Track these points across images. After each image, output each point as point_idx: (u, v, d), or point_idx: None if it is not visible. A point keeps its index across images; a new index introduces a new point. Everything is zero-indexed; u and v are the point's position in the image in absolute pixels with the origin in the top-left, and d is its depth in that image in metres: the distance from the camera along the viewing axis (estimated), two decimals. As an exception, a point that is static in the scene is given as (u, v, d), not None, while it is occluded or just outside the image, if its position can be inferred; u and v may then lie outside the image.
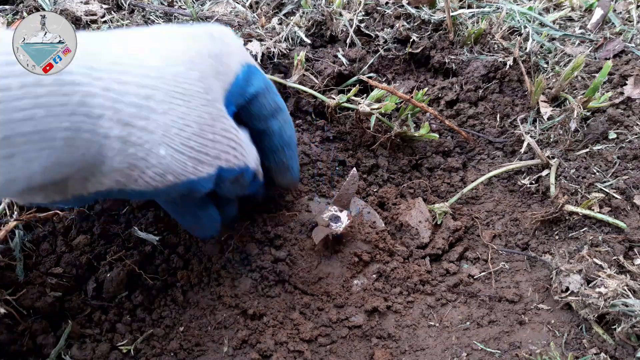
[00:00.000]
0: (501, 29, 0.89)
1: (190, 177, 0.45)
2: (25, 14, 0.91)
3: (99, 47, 0.40)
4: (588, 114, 0.78)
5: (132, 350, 0.58)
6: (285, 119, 0.59)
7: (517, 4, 0.97)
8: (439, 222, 0.73)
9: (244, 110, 0.54)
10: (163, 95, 0.41)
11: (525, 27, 0.90)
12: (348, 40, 0.88)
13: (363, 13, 0.91)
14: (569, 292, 0.58)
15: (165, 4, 0.94)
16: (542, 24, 0.95)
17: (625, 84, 0.80)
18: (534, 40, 0.88)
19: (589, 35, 0.93)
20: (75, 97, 0.35)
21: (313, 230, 0.66)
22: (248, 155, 0.52)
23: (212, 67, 0.47)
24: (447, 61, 0.88)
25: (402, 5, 0.91)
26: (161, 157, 0.41)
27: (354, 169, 0.66)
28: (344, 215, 0.66)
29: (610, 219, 0.64)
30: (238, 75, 0.51)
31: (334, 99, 0.77)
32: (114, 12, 0.91)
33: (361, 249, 0.67)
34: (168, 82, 0.42)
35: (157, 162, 0.41)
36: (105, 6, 0.91)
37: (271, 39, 0.84)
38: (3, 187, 0.33)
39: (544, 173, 0.74)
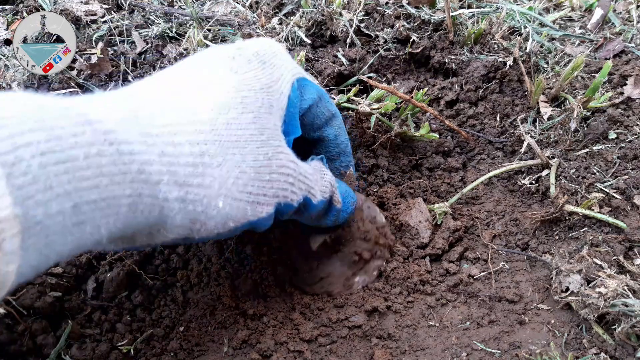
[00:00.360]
0: (501, 29, 0.89)
1: (250, 219, 0.45)
2: (25, 14, 0.91)
3: (152, 108, 0.40)
4: (588, 114, 0.78)
5: (132, 350, 0.58)
6: (339, 125, 0.59)
7: (517, 4, 0.97)
8: (439, 222, 0.73)
9: (300, 122, 0.54)
10: (217, 148, 0.42)
11: (525, 27, 0.90)
12: (348, 40, 0.88)
13: (363, 13, 0.91)
14: (569, 292, 0.58)
15: (165, 4, 0.94)
16: (542, 24, 0.95)
17: (625, 84, 0.80)
18: (534, 40, 0.88)
19: (589, 35, 0.93)
20: (134, 166, 0.36)
21: (310, 236, 0.65)
22: (312, 186, 0.51)
23: (265, 102, 0.47)
24: (447, 61, 0.88)
25: (402, 5, 0.91)
26: (220, 209, 0.42)
27: (351, 168, 0.66)
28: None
29: (610, 219, 0.64)
30: (290, 95, 0.51)
31: (334, 99, 0.77)
32: (114, 12, 0.91)
33: (361, 247, 0.67)
34: (221, 133, 0.42)
35: (217, 214, 0.42)
36: (105, 6, 0.92)
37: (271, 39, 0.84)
38: (73, 251, 0.34)
39: (544, 173, 0.74)
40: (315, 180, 0.52)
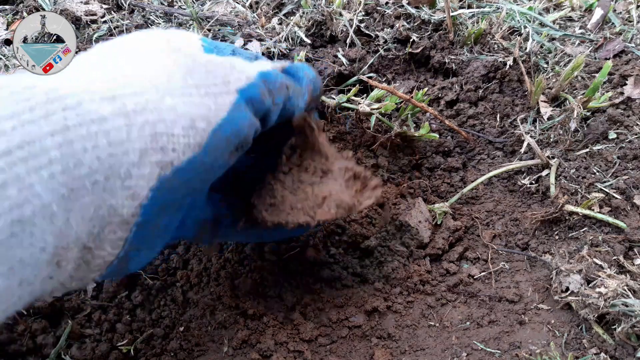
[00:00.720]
0: (501, 29, 0.89)
1: (220, 115, 0.39)
2: (25, 14, 0.91)
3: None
4: (588, 114, 0.78)
5: (132, 350, 0.58)
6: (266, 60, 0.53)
7: (517, 4, 0.97)
8: (439, 222, 0.73)
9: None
10: (132, 64, 0.38)
11: (525, 27, 0.90)
12: (348, 40, 0.88)
13: (363, 13, 0.91)
14: (569, 292, 0.58)
15: (165, 4, 0.94)
16: (542, 24, 0.95)
17: (625, 84, 0.80)
18: (534, 40, 0.88)
19: (589, 35, 0.93)
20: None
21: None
22: (254, 65, 0.45)
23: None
24: (447, 61, 0.88)
25: (402, 5, 0.91)
26: (173, 108, 0.37)
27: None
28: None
29: (610, 219, 0.64)
30: (202, 42, 0.47)
31: (334, 99, 0.77)
32: (114, 12, 0.91)
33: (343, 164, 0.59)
34: (130, 55, 0.40)
35: (174, 115, 0.36)
36: (105, 6, 0.91)
37: (271, 39, 0.84)
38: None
39: (544, 173, 0.74)
40: (255, 63, 0.46)
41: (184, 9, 0.91)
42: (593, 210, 0.66)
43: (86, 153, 0.32)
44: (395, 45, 0.89)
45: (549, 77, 0.85)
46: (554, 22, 0.97)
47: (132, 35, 0.45)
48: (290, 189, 0.55)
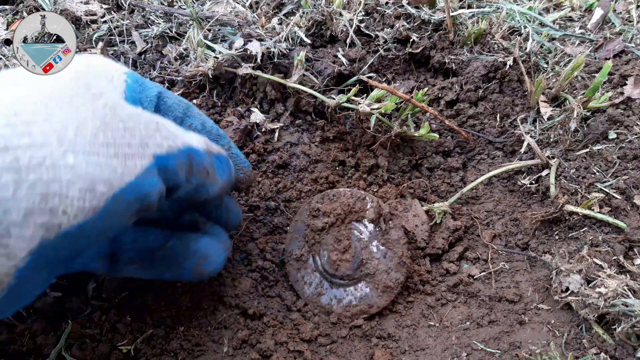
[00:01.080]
0: (501, 29, 0.89)
1: (126, 179, 0.36)
2: (25, 14, 0.91)
3: None
4: (588, 114, 0.78)
5: (132, 350, 0.58)
6: (199, 112, 0.55)
7: (517, 4, 0.97)
8: (438, 222, 0.73)
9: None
10: (36, 106, 0.35)
11: (525, 27, 0.90)
12: (348, 40, 0.88)
13: (363, 13, 0.91)
14: (569, 292, 0.58)
15: (165, 3, 0.94)
16: (542, 24, 0.95)
17: (625, 84, 0.80)
18: (534, 40, 0.88)
19: (589, 35, 0.93)
20: None
21: None
22: (185, 135, 0.44)
23: (89, 80, 0.42)
24: (447, 61, 0.88)
25: (402, 5, 0.91)
26: (74, 167, 0.33)
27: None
28: None
29: (610, 219, 0.64)
30: (126, 80, 0.46)
31: (334, 99, 0.77)
32: (114, 12, 0.91)
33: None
34: (40, 92, 0.36)
35: (73, 176, 0.33)
36: (105, 6, 0.91)
37: (271, 39, 0.84)
38: None
39: (544, 173, 0.74)
40: (182, 131, 0.45)
41: (184, 9, 0.91)
42: (593, 210, 0.66)
43: None
44: (395, 45, 0.89)
45: (549, 77, 0.85)
46: (554, 22, 0.97)
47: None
48: None
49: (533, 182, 0.75)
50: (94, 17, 0.89)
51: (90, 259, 0.50)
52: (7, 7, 0.94)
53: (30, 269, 0.34)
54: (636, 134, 0.74)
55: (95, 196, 0.34)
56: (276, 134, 0.80)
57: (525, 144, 0.77)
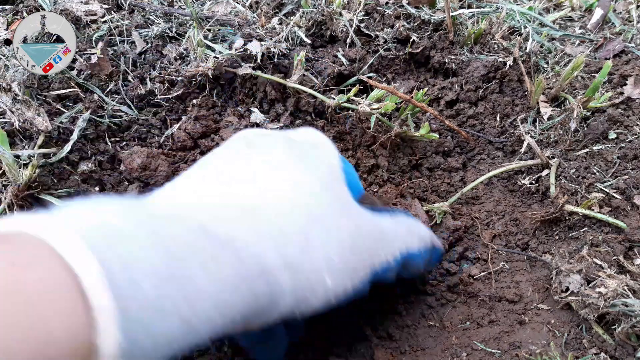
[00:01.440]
0: (501, 29, 0.89)
1: (348, 291, 0.43)
2: (25, 14, 0.91)
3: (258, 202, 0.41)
4: (588, 114, 0.78)
5: (132, 350, 0.58)
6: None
7: (517, 4, 0.97)
8: (438, 222, 0.73)
9: None
10: (317, 227, 0.41)
11: (525, 27, 0.90)
12: (348, 40, 0.88)
13: (363, 13, 0.91)
14: (569, 292, 0.58)
15: (165, 3, 0.94)
16: (542, 24, 0.95)
17: (625, 84, 0.80)
18: (534, 40, 0.88)
19: (589, 35, 0.94)
20: (254, 266, 0.37)
21: None
22: (405, 239, 0.50)
23: (332, 174, 0.47)
24: (447, 61, 0.88)
25: (402, 5, 0.91)
26: (327, 286, 0.41)
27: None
28: None
29: (611, 219, 0.64)
30: (340, 165, 0.51)
31: (334, 99, 0.77)
32: (114, 12, 0.91)
33: None
34: (313, 212, 0.42)
35: (324, 291, 0.41)
36: (105, 6, 0.91)
37: (271, 39, 0.84)
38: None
39: (544, 173, 0.74)
40: (404, 232, 0.50)
41: (184, 8, 0.91)
42: (593, 210, 0.66)
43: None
44: (395, 45, 0.89)
45: (549, 77, 0.85)
46: (554, 22, 0.97)
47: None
48: None
49: (533, 182, 0.75)
50: (94, 17, 0.89)
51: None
52: (7, 7, 0.94)
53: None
54: (636, 134, 0.74)
55: (325, 303, 0.42)
56: (276, 134, 0.80)
57: (525, 144, 0.77)
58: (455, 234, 0.72)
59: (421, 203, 0.75)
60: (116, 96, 0.80)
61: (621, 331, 0.54)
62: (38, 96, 0.77)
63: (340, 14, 0.89)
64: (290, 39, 0.87)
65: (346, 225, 0.43)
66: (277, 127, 0.80)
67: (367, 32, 0.90)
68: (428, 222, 0.72)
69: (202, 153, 0.77)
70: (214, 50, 0.83)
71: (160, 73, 0.83)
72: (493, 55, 0.87)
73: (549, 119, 0.80)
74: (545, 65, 0.87)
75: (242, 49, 0.82)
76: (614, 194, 0.67)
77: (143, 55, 0.86)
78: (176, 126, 0.78)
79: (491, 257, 0.69)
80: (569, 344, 0.57)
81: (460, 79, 0.87)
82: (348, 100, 0.77)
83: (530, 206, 0.74)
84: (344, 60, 0.85)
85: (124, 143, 0.77)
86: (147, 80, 0.82)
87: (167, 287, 0.30)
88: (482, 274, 0.67)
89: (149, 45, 0.87)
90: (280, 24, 0.89)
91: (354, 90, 0.77)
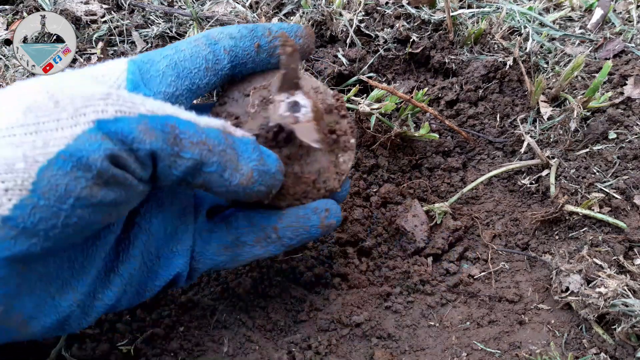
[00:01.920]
0: (501, 29, 0.89)
1: (53, 149, 0.35)
2: (25, 14, 0.91)
3: None
4: (588, 114, 0.78)
5: (132, 350, 0.58)
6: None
7: (517, 4, 0.97)
8: (438, 222, 0.73)
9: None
10: None
11: (525, 27, 0.90)
12: (348, 40, 0.88)
13: (363, 13, 0.91)
14: (569, 292, 0.58)
15: (165, 4, 0.94)
16: (542, 24, 0.95)
17: (625, 84, 0.80)
18: (534, 40, 0.88)
19: (589, 35, 0.94)
20: None
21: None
22: (170, 107, 0.41)
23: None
24: (447, 61, 0.88)
25: (402, 5, 0.91)
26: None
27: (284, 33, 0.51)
28: (301, 97, 0.50)
29: (610, 219, 0.64)
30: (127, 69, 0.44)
31: (334, 99, 0.77)
32: (114, 12, 0.91)
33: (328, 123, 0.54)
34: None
35: None
36: (105, 6, 0.91)
37: (271, 39, 0.84)
38: None
39: (544, 173, 0.74)
40: (161, 103, 0.41)
41: (184, 9, 0.91)
42: (593, 210, 0.66)
43: None
44: (395, 45, 0.89)
45: (549, 77, 0.85)
46: (554, 22, 0.97)
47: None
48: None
49: (533, 182, 0.75)
50: (94, 17, 0.89)
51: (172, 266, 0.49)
52: (7, 7, 0.94)
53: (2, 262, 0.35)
54: (636, 134, 0.74)
55: (17, 174, 0.34)
56: (276, 134, 0.80)
57: (525, 144, 0.77)
58: (456, 234, 0.72)
59: (421, 203, 0.75)
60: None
61: (621, 331, 0.54)
62: (38, 96, 0.77)
63: (340, 14, 0.89)
64: (290, 39, 0.87)
65: (31, 94, 0.37)
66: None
67: (367, 32, 0.90)
68: (428, 222, 0.73)
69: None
70: (214, 50, 0.83)
71: (160, 73, 0.83)
72: (493, 55, 0.87)
73: (549, 119, 0.80)
74: (545, 65, 0.87)
75: (242, 49, 0.82)
76: (614, 194, 0.67)
77: (143, 55, 0.86)
78: (176, 126, 0.78)
79: (491, 257, 0.69)
80: (569, 344, 0.57)
81: (460, 79, 0.87)
82: (348, 100, 0.77)
83: (530, 206, 0.74)
84: (344, 60, 0.85)
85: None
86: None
87: None
88: (482, 274, 0.67)
89: (149, 45, 0.87)
90: (280, 24, 0.89)
91: (354, 90, 0.77)
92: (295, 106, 0.49)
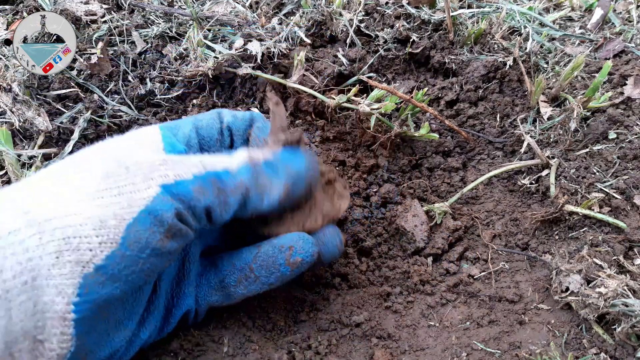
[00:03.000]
0: (501, 29, 0.89)
1: (136, 209, 0.42)
2: (25, 13, 0.91)
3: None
4: (588, 114, 0.78)
5: (132, 350, 0.58)
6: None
7: (517, 4, 0.97)
8: (438, 222, 0.73)
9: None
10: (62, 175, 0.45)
11: (525, 27, 0.90)
12: (348, 40, 0.88)
13: (363, 13, 0.91)
14: (569, 292, 0.58)
15: (165, 3, 0.94)
16: (542, 24, 0.95)
17: (625, 84, 0.80)
18: (534, 40, 0.88)
19: (589, 35, 0.94)
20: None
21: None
22: (209, 161, 0.47)
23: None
24: (447, 61, 0.88)
25: (402, 5, 0.91)
26: (78, 212, 0.41)
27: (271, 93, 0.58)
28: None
29: (610, 219, 0.64)
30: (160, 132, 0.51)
31: (334, 99, 0.77)
32: (114, 12, 0.91)
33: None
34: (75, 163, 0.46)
35: (81, 219, 0.41)
36: (105, 6, 0.91)
37: (271, 39, 0.84)
38: None
39: (544, 173, 0.74)
40: (201, 158, 0.48)
41: (184, 8, 0.91)
42: (593, 210, 0.66)
43: (6, 260, 0.37)
44: (395, 45, 0.89)
45: (549, 77, 0.85)
46: (554, 22, 0.97)
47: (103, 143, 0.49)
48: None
49: (533, 182, 0.75)
50: (94, 17, 0.89)
51: (204, 294, 0.56)
52: (7, 7, 0.94)
53: (86, 306, 0.40)
54: (636, 134, 0.74)
55: (110, 230, 0.41)
56: (276, 134, 0.80)
57: (525, 144, 0.77)
58: (455, 234, 0.72)
59: (421, 203, 0.75)
60: (116, 96, 0.81)
61: (621, 331, 0.54)
62: (38, 96, 0.77)
63: (340, 14, 0.89)
64: (290, 38, 0.87)
65: (104, 162, 0.45)
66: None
67: (367, 32, 0.90)
68: (428, 222, 0.73)
69: (202, 153, 0.77)
70: (214, 50, 0.83)
71: (160, 73, 0.83)
72: (493, 55, 0.87)
73: (549, 119, 0.80)
74: (545, 65, 0.87)
75: (242, 49, 0.82)
76: (614, 194, 0.67)
77: (143, 55, 0.86)
78: (176, 126, 0.78)
79: (491, 257, 0.69)
80: (569, 344, 0.57)
81: (460, 79, 0.87)
82: (348, 100, 0.77)
83: (530, 206, 0.74)
84: (344, 60, 0.85)
85: (124, 143, 0.77)
86: (147, 80, 0.82)
87: None
88: (482, 274, 0.67)
89: (149, 45, 0.87)
90: (280, 23, 0.89)
91: (354, 90, 0.76)
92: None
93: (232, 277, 0.55)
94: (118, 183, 0.43)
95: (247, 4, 0.95)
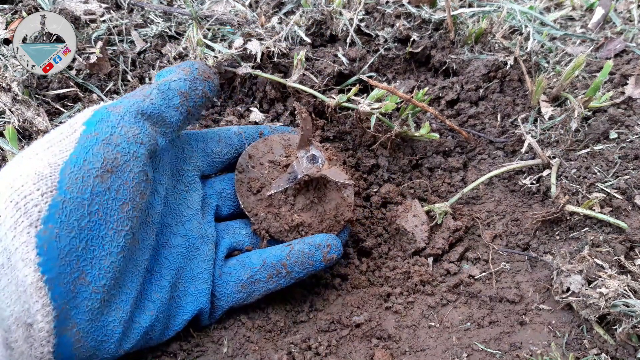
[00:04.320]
0: (502, 28, 0.89)
1: (67, 153, 0.46)
2: (24, 13, 0.90)
3: None
4: (589, 113, 0.78)
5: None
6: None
7: (518, 4, 0.97)
8: (439, 222, 0.73)
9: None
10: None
11: (526, 26, 0.90)
12: (348, 40, 0.88)
13: (363, 12, 0.91)
14: (569, 292, 0.58)
15: (165, 3, 0.94)
16: (543, 24, 0.95)
17: (626, 84, 0.80)
18: (534, 39, 0.88)
19: (590, 34, 0.93)
20: None
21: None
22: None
23: None
24: (447, 61, 0.87)
25: (403, 5, 0.91)
26: (19, 175, 0.45)
27: (298, 105, 0.64)
28: (315, 151, 0.64)
29: (612, 219, 0.64)
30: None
31: (334, 98, 0.77)
32: (113, 11, 0.91)
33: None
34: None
35: (22, 180, 0.44)
36: (104, 5, 0.91)
37: (271, 38, 0.84)
38: None
39: (545, 173, 0.74)
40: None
41: (184, 8, 0.90)
42: (594, 210, 0.66)
43: None
44: (396, 44, 0.89)
45: (550, 77, 0.84)
46: (554, 21, 0.96)
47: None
48: (304, 209, 0.64)
49: (534, 182, 0.75)
50: (93, 17, 0.88)
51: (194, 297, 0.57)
52: (6, 6, 0.94)
53: (52, 263, 0.41)
54: (637, 134, 0.73)
55: (46, 179, 0.43)
56: (276, 134, 0.79)
57: (526, 144, 0.77)
58: (456, 234, 0.72)
59: (421, 203, 0.75)
60: (115, 95, 0.80)
61: (622, 332, 0.53)
62: (37, 96, 0.76)
63: (341, 13, 0.89)
64: (290, 38, 0.87)
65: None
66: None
67: (367, 31, 0.89)
68: (428, 222, 0.72)
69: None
70: (213, 50, 0.82)
71: (159, 72, 0.82)
72: (494, 55, 0.86)
73: (549, 118, 0.79)
74: (546, 65, 0.87)
75: (241, 48, 0.81)
76: (615, 194, 0.67)
77: (142, 55, 0.86)
78: (176, 126, 0.78)
79: (492, 258, 0.69)
80: (569, 345, 0.57)
81: (461, 78, 0.87)
82: (348, 100, 0.77)
83: (531, 206, 0.74)
84: (344, 59, 0.85)
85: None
86: (147, 79, 0.82)
87: None
88: (483, 274, 0.67)
89: (148, 44, 0.87)
90: (280, 23, 0.89)
91: (354, 89, 0.76)
92: (313, 158, 0.63)
93: (263, 273, 0.59)
94: (50, 137, 0.47)
95: (247, 3, 0.94)
